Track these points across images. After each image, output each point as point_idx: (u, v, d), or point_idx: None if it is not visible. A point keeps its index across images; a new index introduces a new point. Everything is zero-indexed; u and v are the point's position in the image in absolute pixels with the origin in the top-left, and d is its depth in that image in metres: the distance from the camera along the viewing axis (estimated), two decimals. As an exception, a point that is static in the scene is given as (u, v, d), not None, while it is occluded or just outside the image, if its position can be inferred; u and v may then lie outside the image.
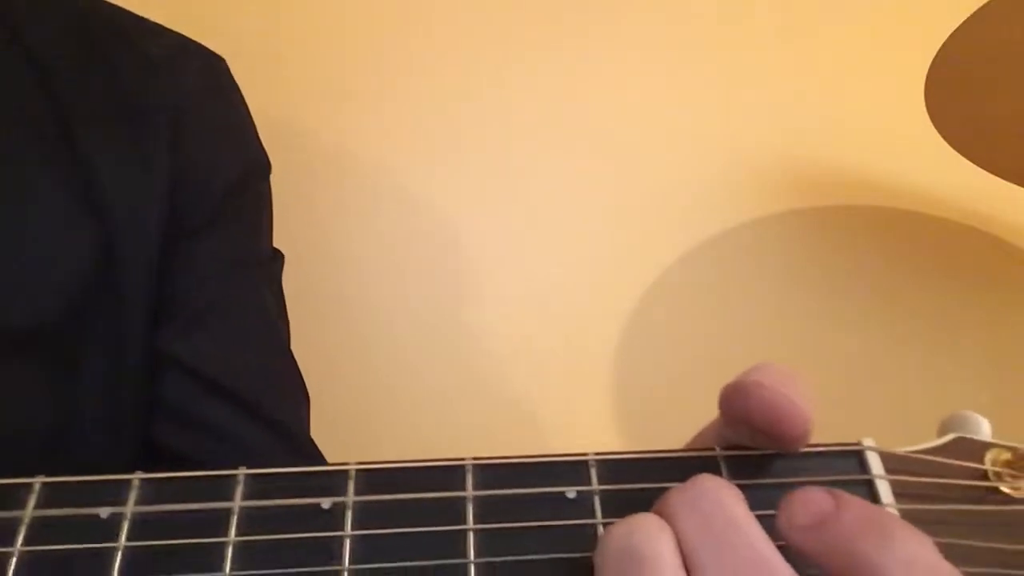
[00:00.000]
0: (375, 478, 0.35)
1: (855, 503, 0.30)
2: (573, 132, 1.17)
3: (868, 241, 1.16)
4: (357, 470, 0.35)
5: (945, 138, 0.97)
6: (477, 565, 0.33)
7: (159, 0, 0.75)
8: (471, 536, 0.34)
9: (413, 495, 0.35)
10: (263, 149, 0.73)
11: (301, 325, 0.74)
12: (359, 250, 1.11)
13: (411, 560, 0.34)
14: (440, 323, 1.09)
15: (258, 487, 0.35)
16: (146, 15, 0.69)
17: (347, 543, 0.34)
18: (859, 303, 1.13)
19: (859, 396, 1.05)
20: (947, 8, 0.91)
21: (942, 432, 0.36)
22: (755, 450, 0.36)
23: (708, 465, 0.35)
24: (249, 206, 0.70)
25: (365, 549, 0.34)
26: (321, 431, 0.70)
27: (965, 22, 0.89)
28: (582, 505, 0.35)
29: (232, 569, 0.33)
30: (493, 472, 0.35)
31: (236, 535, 0.34)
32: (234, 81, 0.72)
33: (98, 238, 0.58)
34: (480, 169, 1.16)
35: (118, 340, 0.59)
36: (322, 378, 0.75)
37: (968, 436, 0.36)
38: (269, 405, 0.64)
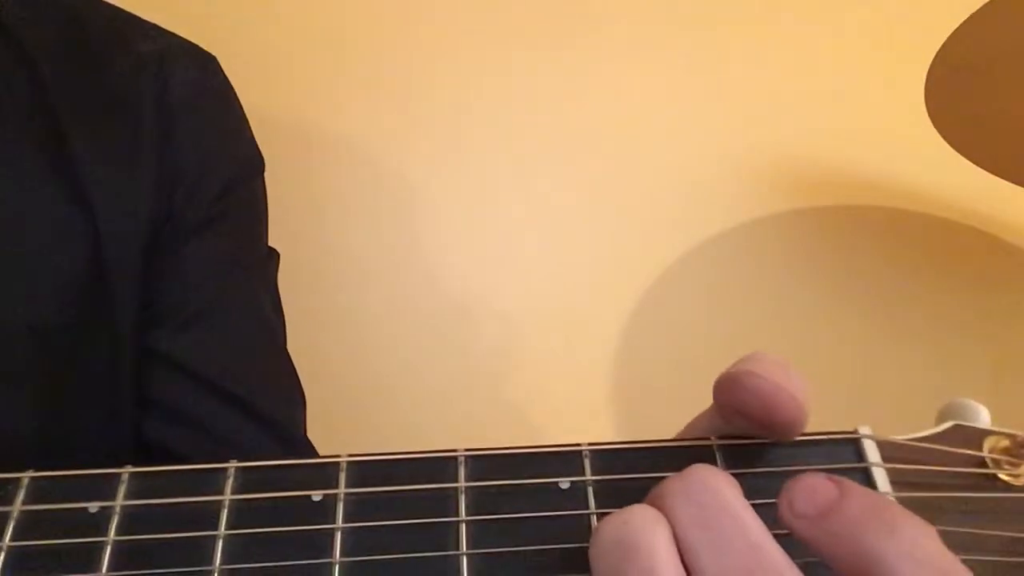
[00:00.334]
0: (366, 470, 0.35)
1: (859, 492, 0.29)
2: (574, 132, 1.17)
3: (868, 241, 1.16)
4: (348, 462, 0.35)
5: (945, 138, 0.97)
6: (470, 556, 0.33)
7: (156, 1, 0.75)
8: (464, 527, 0.34)
9: (405, 487, 0.35)
10: (257, 147, 0.72)
11: (299, 324, 0.74)
12: (358, 249, 1.11)
13: (403, 552, 0.33)
14: (439, 323, 1.09)
15: (248, 480, 0.35)
16: (144, 15, 0.69)
17: (338, 536, 0.33)
18: (859, 303, 1.13)
19: (859, 396, 1.05)
20: (947, 8, 0.90)
21: (940, 420, 0.36)
22: (750, 439, 0.35)
23: (703, 454, 0.35)
24: (244, 205, 0.70)
25: (356, 541, 0.33)
26: (319, 430, 0.70)
27: (965, 22, 0.89)
28: (575, 495, 0.34)
29: (222, 563, 0.33)
30: (486, 463, 0.35)
31: (226, 528, 0.34)
32: (227, 80, 0.71)
33: (88, 237, 0.58)
34: (480, 169, 1.16)
35: (111, 339, 0.59)
36: (321, 377, 0.75)
37: (966, 424, 0.35)
38: (263, 404, 0.64)
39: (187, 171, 0.63)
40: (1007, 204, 1.13)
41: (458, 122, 1.17)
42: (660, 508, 0.30)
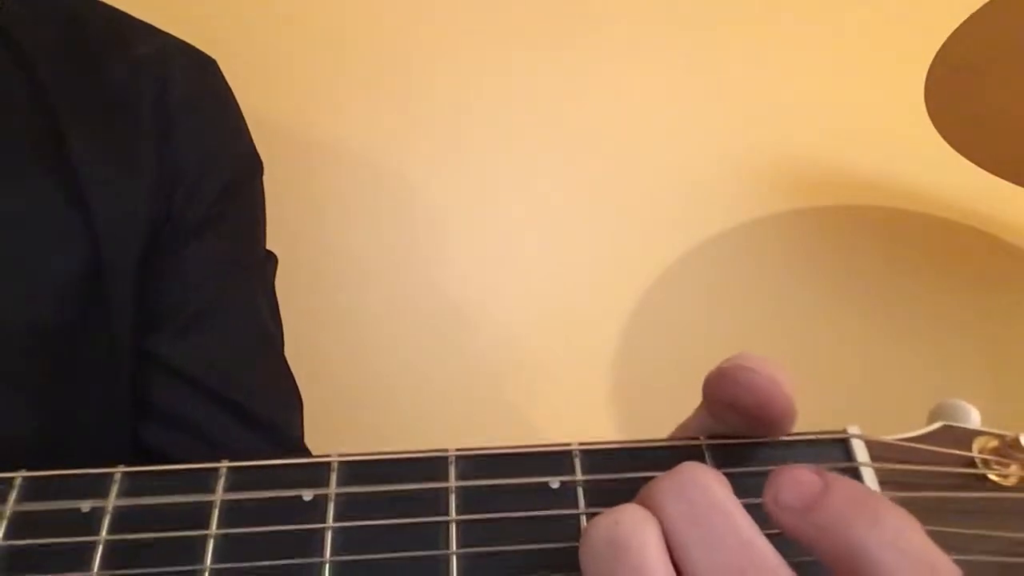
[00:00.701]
0: (357, 470, 0.35)
1: (843, 483, 0.29)
2: (574, 132, 1.17)
3: (868, 241, 1.16)
4: (339, 462, 0.35)
5: (945, 138, 0.96)
6: (459, 556, 0.33)
7: (156, 1, 0.75)
8: (453, 527, 0.34)
9: (395, 486, 0.35)
10: (255, 149, 0.72)
11: (299, 325, 0.74)
12: (358, 249, 1.11)
13: (393, 552, 0.33)
14: (439, 323, 1.09)
15: (240, 480, 0.35)
16: (144, 16, 0.69)
17: (329, 535, 0.34)
18: (859, 303, 1.13)
19: (859, 396, 1.05)
20: (947, 8, 0.90)
21: (931, 421, 0.36)
22: (740, 438, 0.35)
23: (692, 454, 0.35)
24: (243, 206, 0.70)
25: (347, 541, 0.34)
26: (318, 431, 0.70)
27: (965, 22, 0.88)
28: (565, 495, 0.34)
29: (213, 562, 0.33)
30: (476, 463, 0.35)
31: (217, 528, 0.34)
32: (225, 81, 0.71)
33: (86, 238, 0.58)
34: (480, 169, 1.16)
35: (109, 340, 0.59)
36: (320, 377, 0.75)
37: (956, 424, 0.35)
38: (261, 409, 0.64)
39: (186, 172, 0.63)
40: (1007, 204, 1.13)
41: (458, 122, 1.17)
42: (650, 506, 0.30)
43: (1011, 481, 0.34)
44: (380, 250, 1.12)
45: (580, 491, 0.34)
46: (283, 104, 1.11)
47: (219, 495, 0.34)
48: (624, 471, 0.35)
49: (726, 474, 0.32)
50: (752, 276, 1.14)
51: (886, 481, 0.34)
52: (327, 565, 0.33)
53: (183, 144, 0.64)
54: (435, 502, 0.34)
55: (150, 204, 0.61)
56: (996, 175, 0.96)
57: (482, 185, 1.15)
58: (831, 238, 1.16)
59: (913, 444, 0.35)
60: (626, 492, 0.32)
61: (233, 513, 0.34)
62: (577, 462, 0.35)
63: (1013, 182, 0.95)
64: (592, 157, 1.17)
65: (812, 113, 1.19)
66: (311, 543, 0.33)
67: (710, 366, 0.35)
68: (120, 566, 0.33)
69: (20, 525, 0.34)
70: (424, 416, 1.05)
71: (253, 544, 0.33)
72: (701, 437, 0.36)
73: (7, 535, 0.34)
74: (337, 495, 0.34)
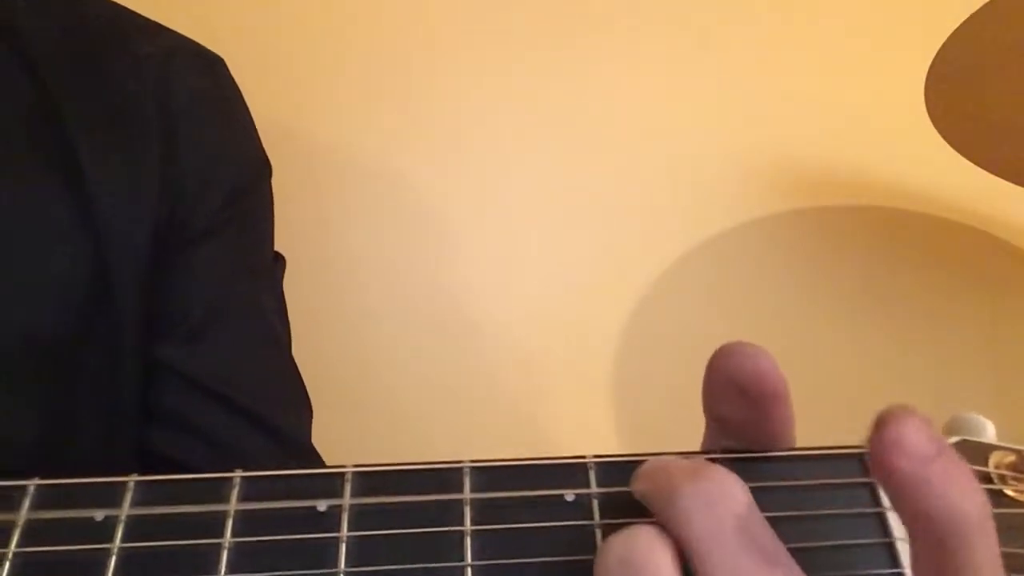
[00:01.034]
0: (371, 480, 0.35)
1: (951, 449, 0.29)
2: (574, 132, 1.17)
3: (868, 241, 1.16)
4: (353, 472, 0.35)
5: (945, 138, 0.97)
6: (475, 568, 0.33)
7: (157, 1, 0.74)
8: (468, 538, 0.34)
9: (410, 497, 0.35)
10: (264, 151, 0.72)
11: (300, 326, 0.74)
12: (359, 252, 1.11)
13: (408, 563, 0.33)
14: (440, 325, 1.09)
15: (254, 489, 0.35)
16: (147, 15, 0.68)
17: (343, 546, 0.33)
18: (859, 303, 1.13)
19: (858, 396, 1.05)
20: (947, 8, 0.91)
21: (946, 434, 0.36)
22: (754, 453, 0.35)
23: None
24: (251, 210, 0.69)
25: (361, 552, 0.33)
26: (320, 432, 0.70)
27: (965, 22, 0.89)
28: (580, 508, 0.34)
29: (227, 572, 0.33)
30: (491, 474, 0.35)
31: (231, 537, 0.34)
32: (233, 82, 0.71)
33: (91, 245, 0.57)
34: (480, 169, 1.16)
35: (114, 348, 0.58)
36: (321, 378, 0.75)
37: (972, 439, 0.35)
38: (269, 412, 0.64)
39: (192, 176, 0.62)
40: (1007, 204, 1.13)
41: (458, 122, 1.17)
42: (673, 516, 0.30)
43: (1027, 496, 0.34)
44: (380, 250, 1.11)
45: (595, 503, 0.34)
46: (283, 104, 1.11)
47: (233, 504, 0.34)
48: None
49: None
50: (752, 276, 1.14)
51: (902, 496, 0.34)
52: (342, 575, 0.33)
53: (189, 145, 0.63)
54: (450, 513, 0.34)
55: (156, 208, 0.60)
56: (996, 175, 0.96)
57: (482, 185, 1.15)
58: (831, 238, 1.16)
59: (930, 459, 0.35)
60: (641, 505, 0.32)
61: (247, 523, 0.34)
62: (592, 474, 0.35)
63: (1013, 182, 0.95)
64: (592, 157, 1.17)
65: (812, 113, 1.19)
66: (326, 554, 0.33)
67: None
68: (133, 575, 0.33)
69: (33, 533, 0.34)
70: (425, 416, 1.05)
71: (267, 554, 0.33)
72: (716, 450, 0.36)
73: (20, 543, 0.33)
74: (352, 505, 0.34)
